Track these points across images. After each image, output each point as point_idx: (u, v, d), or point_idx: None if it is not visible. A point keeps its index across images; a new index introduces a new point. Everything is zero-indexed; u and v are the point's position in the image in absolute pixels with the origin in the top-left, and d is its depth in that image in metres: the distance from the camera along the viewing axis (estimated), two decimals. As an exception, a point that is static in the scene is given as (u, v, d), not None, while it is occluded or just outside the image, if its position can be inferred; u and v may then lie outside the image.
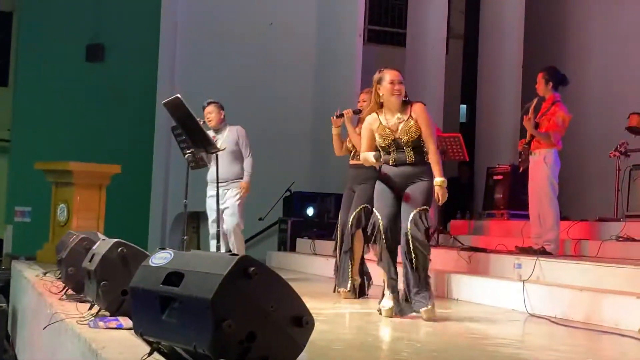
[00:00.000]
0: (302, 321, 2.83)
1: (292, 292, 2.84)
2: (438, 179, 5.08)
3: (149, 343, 3.06)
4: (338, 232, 6.61)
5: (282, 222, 11.29)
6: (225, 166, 7.22)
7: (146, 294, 2.97)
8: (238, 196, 7.32)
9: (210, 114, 7.34)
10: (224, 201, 7.27)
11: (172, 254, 3.03)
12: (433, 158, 5.11)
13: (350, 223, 6.35)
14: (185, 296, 2.76)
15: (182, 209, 6.58)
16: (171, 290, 2.83)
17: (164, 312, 2.87)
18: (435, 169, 5.11)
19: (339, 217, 6.66)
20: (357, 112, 6.50)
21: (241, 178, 7.37)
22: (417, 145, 5.08)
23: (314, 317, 2.89)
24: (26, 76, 11.93)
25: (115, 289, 4.01)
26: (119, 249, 4.12)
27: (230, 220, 7.31)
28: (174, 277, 2.87)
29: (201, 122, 7.09)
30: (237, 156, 7.38)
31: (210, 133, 7.21)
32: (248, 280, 2.70)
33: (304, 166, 12.12)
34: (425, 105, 5.32)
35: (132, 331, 3.25)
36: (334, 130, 6.56)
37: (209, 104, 7.42)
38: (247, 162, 7.39)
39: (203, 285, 2.69)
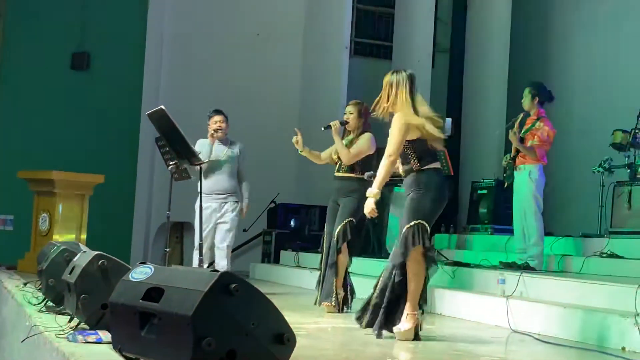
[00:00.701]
0: (284, 338, 2.80)
1: (273, 308, 2.81)
2: (370, 189, 4.78)
3: (127, 359, 3.02)
4: (324, 245, 6.58)
5: (266, 233, 11.26)
6: (225, 179, 7.26)
7: (126, 309, 2.93)
8: (236, 212, 7.30)
9: (222, 123, 7.30)
10: (222, 214, 7.26)
11: (153, 269, 2.99)
12: (380, 167, 4.79)
13: (335, 237, 6.32)
14: (165, 312, 2.72)
15: (165, 219, 6.53)
16: (151, 306, 2.79)
17: (144, 328, 2.83)
18: (377, 179, 4.77)
19: (324, 230, 6.63)
20: (344, 123, 6.50)
21: (236, 192, 7.33)
22: (403, 156, 4.82)
23: (296, 332, 2.86)
24: (10, 83, 11.83)
25: (95, 302, 3.95)
26: (100, 262, 4.06)
27: (225, 236, 7.28)
28: (154, 292, 2.83)
29: (212, 131, 7.09)
30: (235, 171, 7.37)
31: (217, 144, 7.18)
32: (229, 297, 2.67)
33: (288, 178, 12.10)
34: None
35: (111, 345, 3.20)
36: (302, 153, 6.55)
37: (217, 112, 7.35)
38: (247, 184, 7.45)
39: (183, 302, 2.65)
